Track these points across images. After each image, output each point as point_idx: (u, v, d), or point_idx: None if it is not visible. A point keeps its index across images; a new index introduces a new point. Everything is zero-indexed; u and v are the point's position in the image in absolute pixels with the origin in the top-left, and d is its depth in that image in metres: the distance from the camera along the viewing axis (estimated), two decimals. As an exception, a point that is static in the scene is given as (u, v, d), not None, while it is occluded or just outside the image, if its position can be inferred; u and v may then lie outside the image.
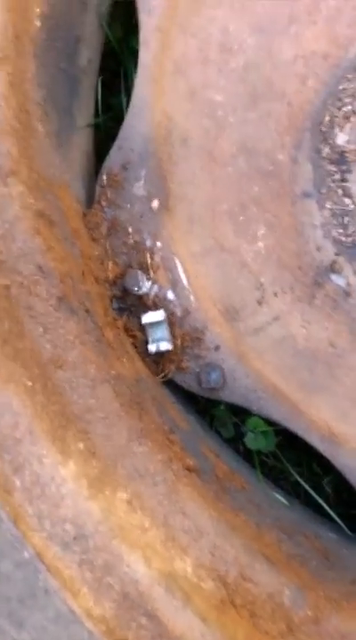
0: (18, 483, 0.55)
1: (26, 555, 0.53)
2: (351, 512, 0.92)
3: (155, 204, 0.88)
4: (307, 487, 0.88)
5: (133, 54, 1.01)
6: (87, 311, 0.69)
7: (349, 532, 0.83)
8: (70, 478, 0.54)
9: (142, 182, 0.88)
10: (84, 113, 0.95)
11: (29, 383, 0.57)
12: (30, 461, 0.54)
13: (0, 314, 0.62)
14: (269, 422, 0.85)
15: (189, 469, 0.63)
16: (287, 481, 0.94)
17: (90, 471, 0.55)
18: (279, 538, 0.65)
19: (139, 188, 0.88)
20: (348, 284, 0.85)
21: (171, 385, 0.86)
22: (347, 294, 0.85)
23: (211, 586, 0.55)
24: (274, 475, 0.95)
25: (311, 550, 0.68)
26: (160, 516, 0.57)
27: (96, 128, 1.01)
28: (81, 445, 0.56)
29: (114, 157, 0.88)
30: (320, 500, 0.86)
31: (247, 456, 0.92)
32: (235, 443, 0.95)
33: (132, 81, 1.01)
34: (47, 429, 0.55)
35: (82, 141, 0.93)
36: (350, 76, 0.84)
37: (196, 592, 0.53)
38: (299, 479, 0.90)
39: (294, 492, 0.94)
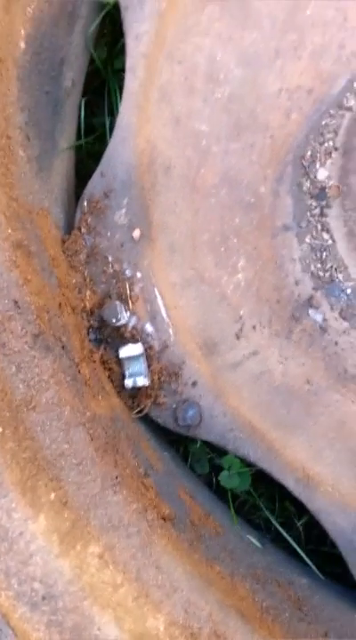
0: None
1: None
2: (322, 549, 0.91)
3: (136, 233, 0.86)
4: (279, 528, 0.87)
5: (118, 74, 1.00)
6: (64, 347, 0.67)
7: (321, 576, 0.83)
8: (40, 534, 0.51)
9: (124, 211, 0.86)
10: (67, 135, 0.92)
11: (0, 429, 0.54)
12: (-1, 515, 0.51)
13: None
14: (245, 462, 0.84)
15: (164, 518, 0.61)
16: (259, 516, 0.93)
17: (61, 525, 0.53)
18: (252, 589, 0.64)
19: (120, 217, 0.86)
20: (324, 320, 0.84)
21: (145, 418, 0.84)
22: (323, 330, 0.84)
23: (184, 645, 0.53)
24: (246, 509, 0.94)
25: (285, 600, 0.66)
26: (133, 570, 0.55)
27: (77, 148, 0.99)
28: (52, 496, 0.54)
29: (96, 184, 0.86)
30: (293, 543, 0.85)
31: (219, 489, 0.91)
32: (208, 475, 0.94)
33: (115, 101, 0.99)
34: (17, 480, 0.52)
35: (63, 164, 0.90)
36: (333, 111, 0.84)
37: (168, 654, 0.51)
38: (271, 518, 0.89)
39: (265, 527, 0.93)
